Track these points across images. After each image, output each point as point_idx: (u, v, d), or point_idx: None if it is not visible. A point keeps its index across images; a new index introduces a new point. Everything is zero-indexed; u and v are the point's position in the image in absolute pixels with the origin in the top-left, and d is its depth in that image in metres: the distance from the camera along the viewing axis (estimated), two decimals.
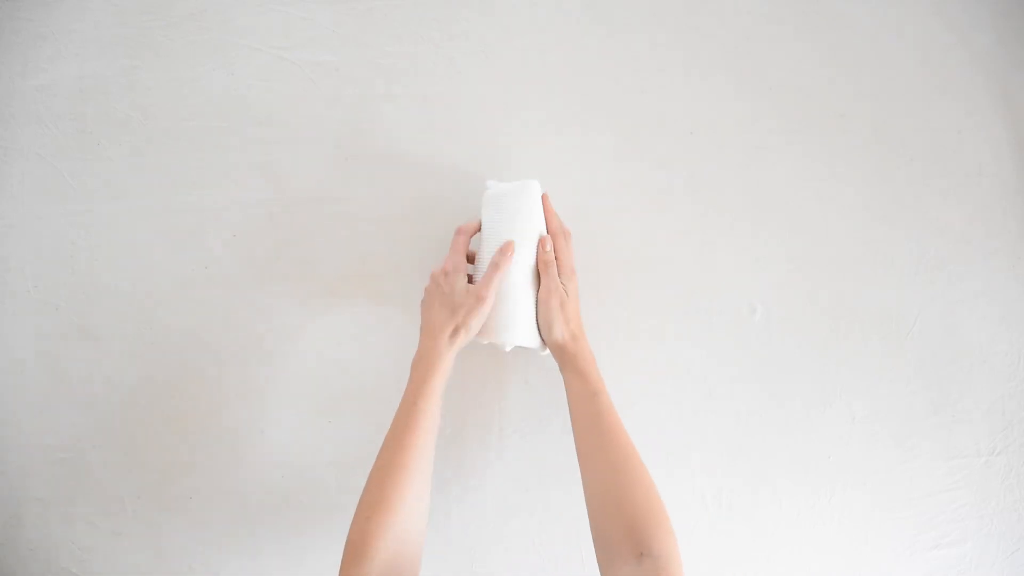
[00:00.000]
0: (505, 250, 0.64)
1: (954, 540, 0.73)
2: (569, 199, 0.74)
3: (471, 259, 0.69)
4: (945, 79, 0.74)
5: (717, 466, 0.73)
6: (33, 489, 0.75)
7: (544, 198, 0.69)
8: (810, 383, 0.73)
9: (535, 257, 0.67)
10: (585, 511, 0.61)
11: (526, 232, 0.66)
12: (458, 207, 0.73)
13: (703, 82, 0.74)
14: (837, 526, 0.73)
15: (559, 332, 0.65)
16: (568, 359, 0.65)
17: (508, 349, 0.66)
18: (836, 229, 0.74)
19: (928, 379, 0.73)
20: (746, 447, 0.73)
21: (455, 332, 0.63)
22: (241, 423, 0.75)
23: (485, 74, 0.75)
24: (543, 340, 0.66)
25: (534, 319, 0.66)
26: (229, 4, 0.75)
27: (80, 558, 0.75)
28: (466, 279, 0.65)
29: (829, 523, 0.73)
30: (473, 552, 0.74)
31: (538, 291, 0.66)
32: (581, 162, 0.74)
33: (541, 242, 0.66)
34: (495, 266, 0.64)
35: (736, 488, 0.73)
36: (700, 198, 0.74)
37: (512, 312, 0.65)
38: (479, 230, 0.68)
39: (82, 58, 0.76)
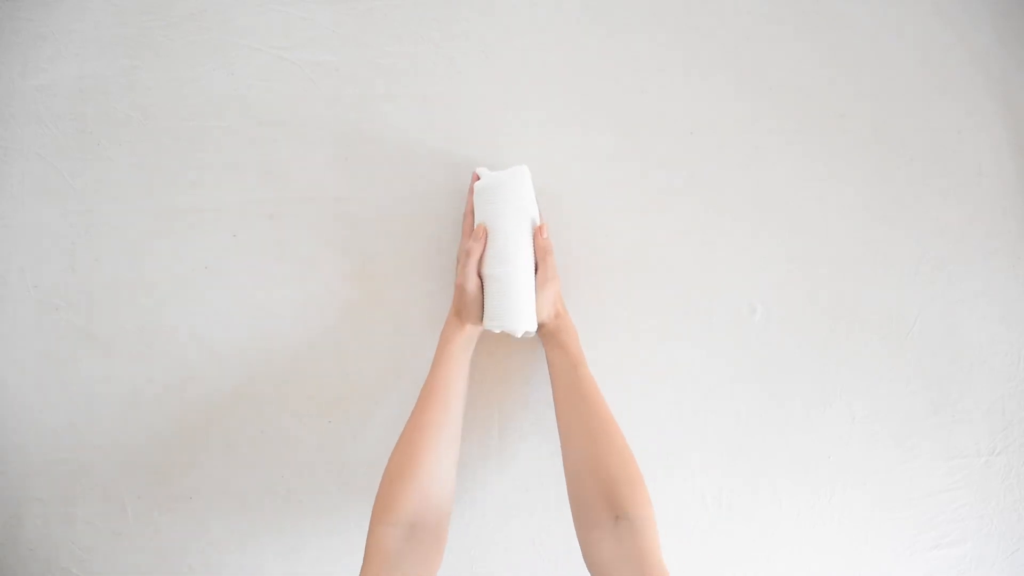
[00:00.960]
0: (477, 235, 0.66)
1: (954, 540, 0.73)
2: (569, 199, 0.74)
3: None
4: (945, 79, 0.74)
5: (717, 466, 0.73)
6: (33, 489, 0.75)
7: None
8: (810, 383, 0.73)
9: (532, 243, 0.67)
10: None
11: (521, 219, 0.67)
12: (458, 207, 0.73)
13: (703, 82, 0.74)
14: (837, 526, 0.73)
15: (547, 313, 0.67)
16: (552, 335, 0.67)
17: (519, 335, 0.66)
18: (836, 229, 0.74)
19: (928, 379, 0.73)
20: (746, 447, 0.73)
21: (457, 313, 0.68)
22: (241, 423, 0.75)
23: (485, 74, 0.75)
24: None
25: (535, 304, 0.67)
26: (229, 4, 0.76)
27: (80, 558, 0.75)
28: (467, 264, 0.66)
29: (829, 523, 0.73)
30: (473, 552, 0.74)
31: (535, 276, 0.67)
32: (581, 162, 0.74)
33: (539, 229, 0.68)
34: (466, 253, 0.66)
35: (736, 488, 0.73)
36: (700, 198, 0.74)
37: (516, 300, 0.65)
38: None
39: (82, 58, 0.76)
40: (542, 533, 0.73)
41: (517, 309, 0.65)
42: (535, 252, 0.68)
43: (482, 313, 0.67)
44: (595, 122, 0.75)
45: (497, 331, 0.66)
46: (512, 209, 0.66)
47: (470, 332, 0.67)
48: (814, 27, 0.75)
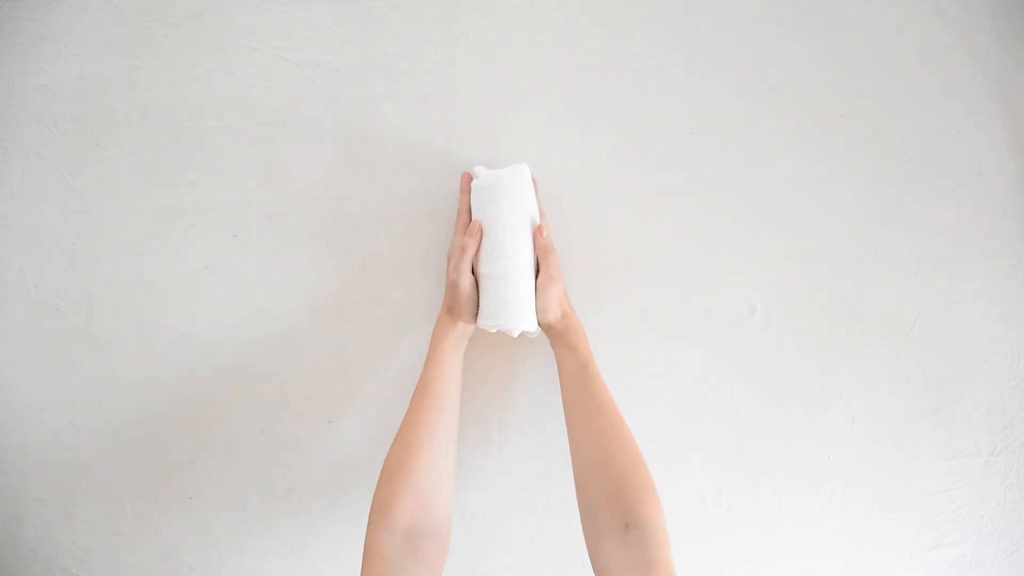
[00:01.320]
0: (472, 232, 0.66)
1: (954, 540, 0.73)
2: (569, 199, 0.74)
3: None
4: (945, 79, 0.74)
5: (717, 466, 0.73)
6: (33, 489, 0.75)
7: (533, 181, 0.70)
8: (810, 383, 0.73)
9: (532, 242, 0.67)
10: None
11: (520, 218, 0.66)
12: (458, 207, 0.73)
13: (703, 82, 0.75)
14: (837, 526, 0.73)
15: (554, 314, 0.66)
16: (560, 335, 0.66)
17: (516, 335, 0.66)
18: (836, 229, 0.74)
19: (928, 379, 0.73)
20: (746, 447, 0.73)
21: (449, 311, 0.67)
22: (241, 423, 0.75)
23: (485, 74, 0.75)
24: (540, 322, 0.67)
25: (534, 303, 0.67)
26: (229, 4, 0.75)
27: (80, 558, 0.75)
28: (461, 261, 0.66)
29: (829, 523, 0.73)
30: (473, 552, 0.74)
31: (536, 275, 0.67)
32: (581, 162, 0.74)
33: (538, 229, 0.67)
34: (461, 249, 0.66)
35: (736, 488, 0.73)
36: (700, 198, 0.74)
37: (515, 299, 0.65)
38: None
39: (82, 58, 0.76)
40: (542, 533, 0.73)
41: (514, 308, 0.65)
42: (536, 252, 0.67)
43: (475, 311, 0.67)
44: (595, 122, 0.75)
45: (493, 330, 0.66)
46: (510, 207, 0.66)
47: (462, 330, 0.66)
48: (814, 27, 0.75)
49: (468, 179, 0.70)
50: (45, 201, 0.75)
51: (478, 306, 0.67)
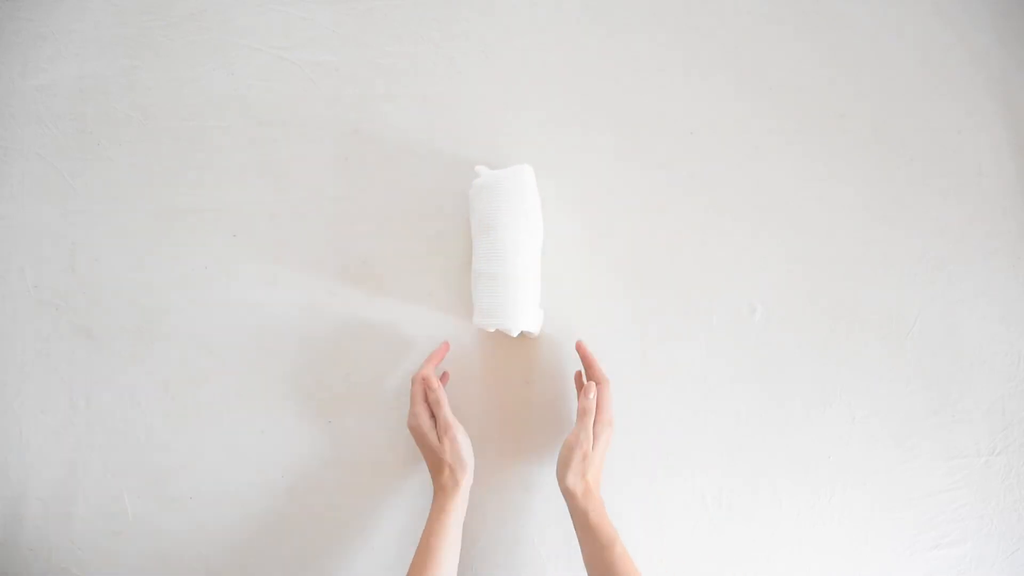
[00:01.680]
0: (416, 398, 0.66)
1: (954, 540, 0.73)
2: (569, 199, 0.74)
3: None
4: (945, 79, 0.74)
5: (717, 466, 0.73)
6: (33, 489, 0.75)
7: (582, 347, 0.68)
8: (810, 383, 0.73)
9: (533, 243, 0.67)
10: None
11: (523, 218, 0.66)
12: (458, 207, 0.73)
13: (703, 82, 0.74)
14: (837, 526, 0.73)
15: (572, 481, 0.63)
16: (578, 512, 0.63)
17: (515, 334, 0.66)
18: (836, 229, 0.74)
19: (928, 379, 0.73)
20: (746, 447, 0.73)
21: (440, 484, 0.65)
22: (241, 423, 0.75)
23: (485, 74, 0.75)
24: (559, 484, 0.65)
25: (537, 304, 0.67)
26: (229, 4, 0.76)
27: (80, 558, 0.75)
28: (427, 426, 0.65)
29: (829, 523, 0.73)
30: (473, 552, 0.74)
31: (540, 277, 0.67)
32: (581, 162, 0.74)
33: (584, 389, 0.65)
34: (437, 404, 0.65)
35: (736, 488, 0.73)
36: (700, 198, 0.74)
37: (514, 297, 0.65)
38: (430, 378, 0.67)
39: (82, 58, 0.76)
40: (542, 533, 0.73)
41: (512, 307, 0.65)
42: (578, 412, 0.65)
43: (467, 463, 0.65)
44: (595, 122, 0.75)
45: (491, 329, 0.66)
46: (510, 207, 0.66)
47: (464, 491, 0.65)
48: (814, 27, 0.75)
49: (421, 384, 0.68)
50: (45, 201, 0.75)
51: (462, 457, 0.65)
